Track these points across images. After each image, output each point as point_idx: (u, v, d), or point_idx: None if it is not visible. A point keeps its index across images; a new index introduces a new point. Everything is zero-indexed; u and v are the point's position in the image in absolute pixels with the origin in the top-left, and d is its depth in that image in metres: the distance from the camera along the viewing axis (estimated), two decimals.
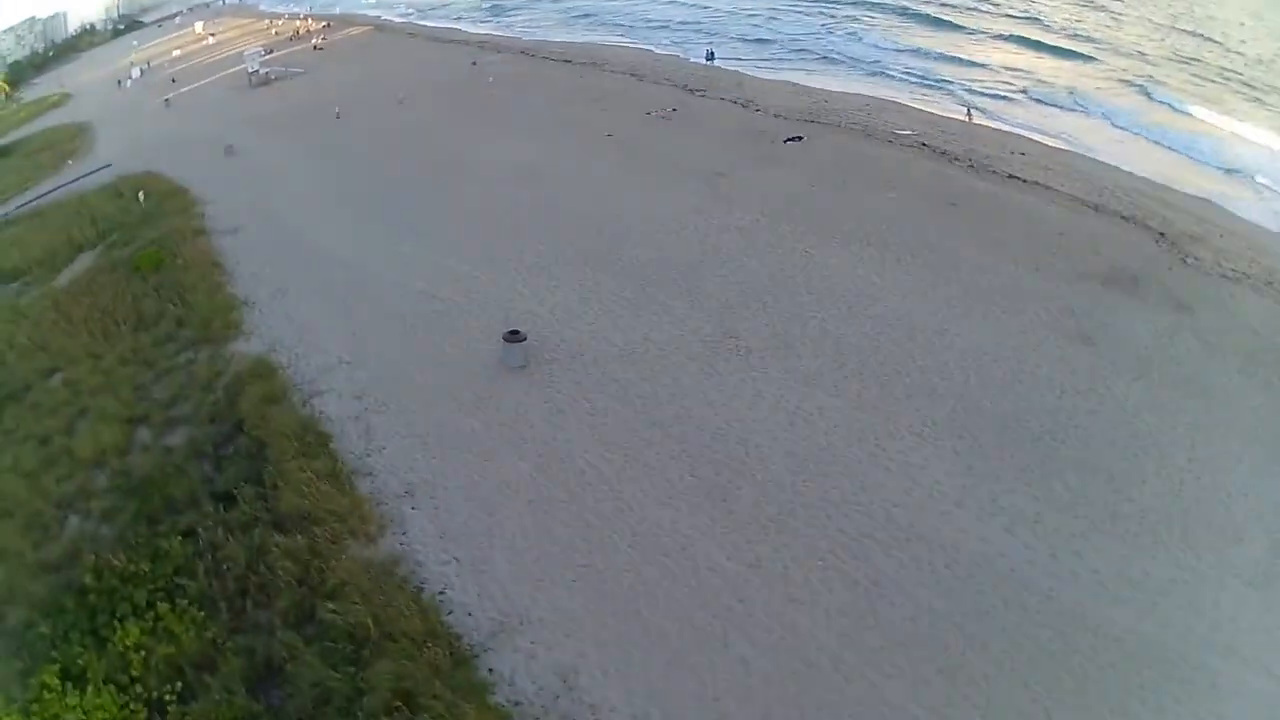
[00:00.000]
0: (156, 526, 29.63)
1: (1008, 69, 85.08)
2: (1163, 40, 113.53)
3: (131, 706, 23.27)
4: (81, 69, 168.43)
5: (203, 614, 25.52)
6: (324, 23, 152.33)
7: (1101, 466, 27.61)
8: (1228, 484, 26.96)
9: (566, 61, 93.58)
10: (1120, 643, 21.94)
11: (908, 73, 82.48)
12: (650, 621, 23.29)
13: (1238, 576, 23.72)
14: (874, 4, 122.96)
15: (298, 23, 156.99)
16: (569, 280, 41.49)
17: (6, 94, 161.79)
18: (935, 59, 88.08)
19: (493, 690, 22.00)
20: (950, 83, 77.94)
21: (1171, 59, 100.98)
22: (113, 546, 29.07)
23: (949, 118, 65.85)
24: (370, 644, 23.22)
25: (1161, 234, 44.01)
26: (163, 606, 25.76)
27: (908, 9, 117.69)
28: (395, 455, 30.77)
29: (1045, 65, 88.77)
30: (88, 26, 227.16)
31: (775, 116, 64.63)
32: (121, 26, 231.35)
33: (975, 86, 76.91)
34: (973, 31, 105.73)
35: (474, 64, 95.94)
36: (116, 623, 25.64)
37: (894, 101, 70.03)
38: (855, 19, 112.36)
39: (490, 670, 22.55)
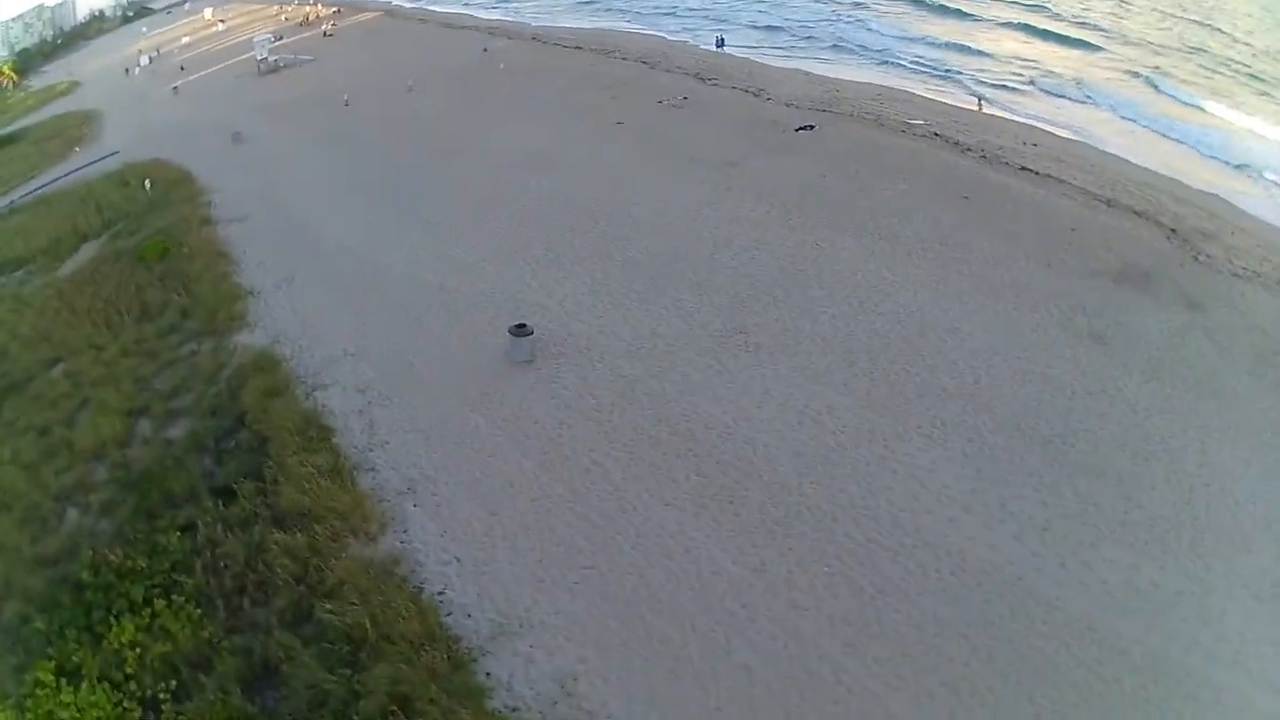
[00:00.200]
0: (155, 521, 29.20)
1: (1016, 58, 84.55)
2: (1170, 29, 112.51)
3: (125, 704, 22.83)
4: (90, 56, 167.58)
5: (199, 612, 25.04)
6: (334, 8, 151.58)
7: (1111, 471, 26.89)
8: (1237, 491, 26.30)
9: (577, 48, 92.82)
10: (1126, 655, 21.22)
11: (917, 61, 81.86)
12: (653, 626, 22.60)
13: (1245, 588, 23.03)
14: None
15: (307, 8, 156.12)
16: (577, 272, 40.83)
17: (14, 82, 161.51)
18: (944, 48, 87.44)
19: (490, 695, 21.32)
20: (959, 72, 77.26)
21: (1179, 49, 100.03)
22: (111, 541, 28.75)
23: (961, 108, 65.15)
24: (368, 646, 22.62)
25: (1173, 230, 43.35)
26: (159, 603, 25.32)
27: None
28: (398, 450, 30.15)
29: (1053, 54, 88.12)
30: (97, 13, 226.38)
31: (787, 105, 63.80)
32: (130, 13, 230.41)
33: (984, 77, 76.27)
34: (980, 19, 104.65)
35: (485, 50, 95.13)
36: (113, 619, 25.24)
37: (905, 91, 69.24)
38: (863, 5, 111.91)
39: (488, 674, 21.89)
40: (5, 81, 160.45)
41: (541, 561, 25.03)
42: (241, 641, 24.24)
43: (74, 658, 24.44)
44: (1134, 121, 66.31)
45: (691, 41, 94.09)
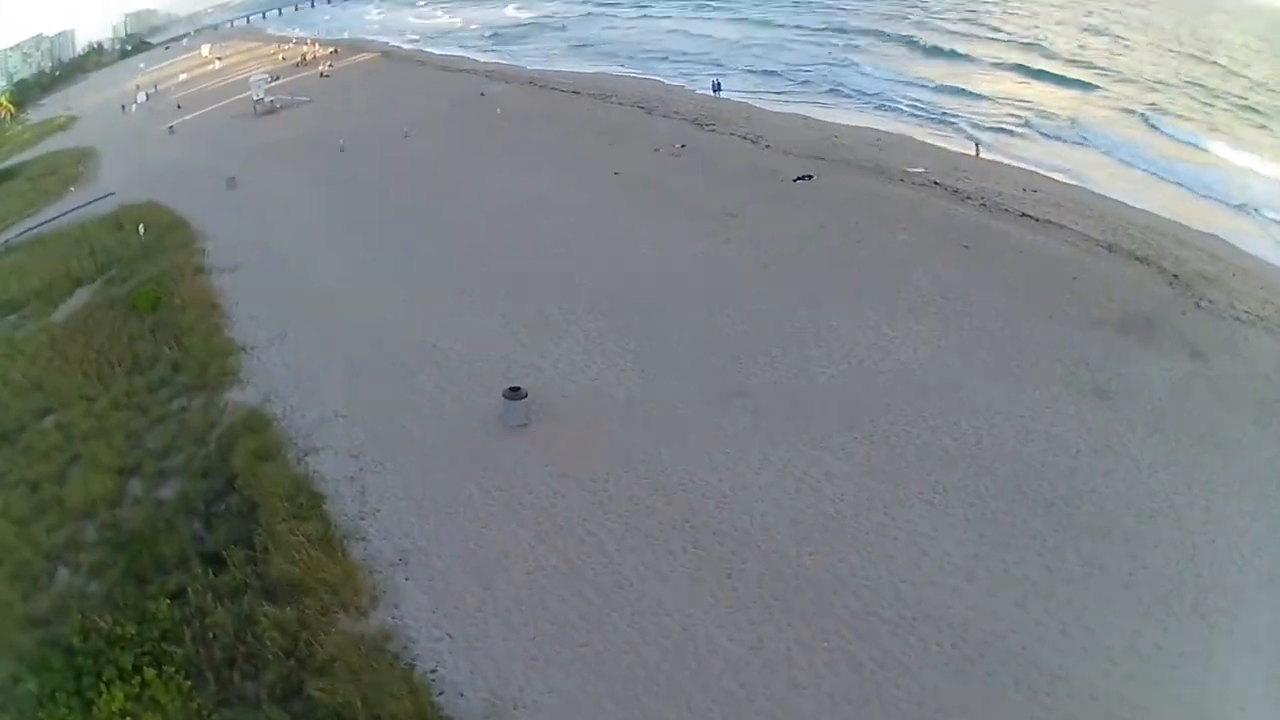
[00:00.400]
0: (145, 586, 28.85)
1: (1011, 100, 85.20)
2: (1168, 65, 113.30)
3: None
4: (87, 91, 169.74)
5: (189, 683, 24.48)
6: (331, 49, 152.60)
7: (1116, 531, 26.58)
8: (1242, 545, 26.06)
9: (574, 93, 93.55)
10: None
11: (914, 105, 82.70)
12: (649, 707, 22.04)
13: (1249, 647, 22.77)
14: (876, 33, 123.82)
15: (305, 48, 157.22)
16: (573, 329, 40.62)
17: (12, 114, 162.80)
18: (939, 91, 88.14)
19: None
20: (956, 116, 77.84)
21: (1176, 84, 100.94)
22: (101, 604, 28.34)
23: (959, 153, 65.58)
24: None
25: (1175, 275, 43.40)
26: (149, 672, 24.76)
27: (911, 38, 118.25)
28: (390, 519, 29.71)
29: (1048, 95, 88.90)
30: (95, 46, 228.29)
31: (785, 153, 64.06)
32: (129, 48, 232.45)
33: (980, 120, 76.92)
34: (974, 60, 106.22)
35: (482, 94, 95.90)
36: (103, 686, 24.73)
37: (904, 136, 69.90)
38: (857, 48, 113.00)
39: None
40: (3, 113, 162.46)
41: (535, 638, 24.51)
42: (231, 715, 23.78)
43: None
44: (1132, 164, 66.79)
45: (688, 86, 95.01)
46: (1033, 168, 63.03)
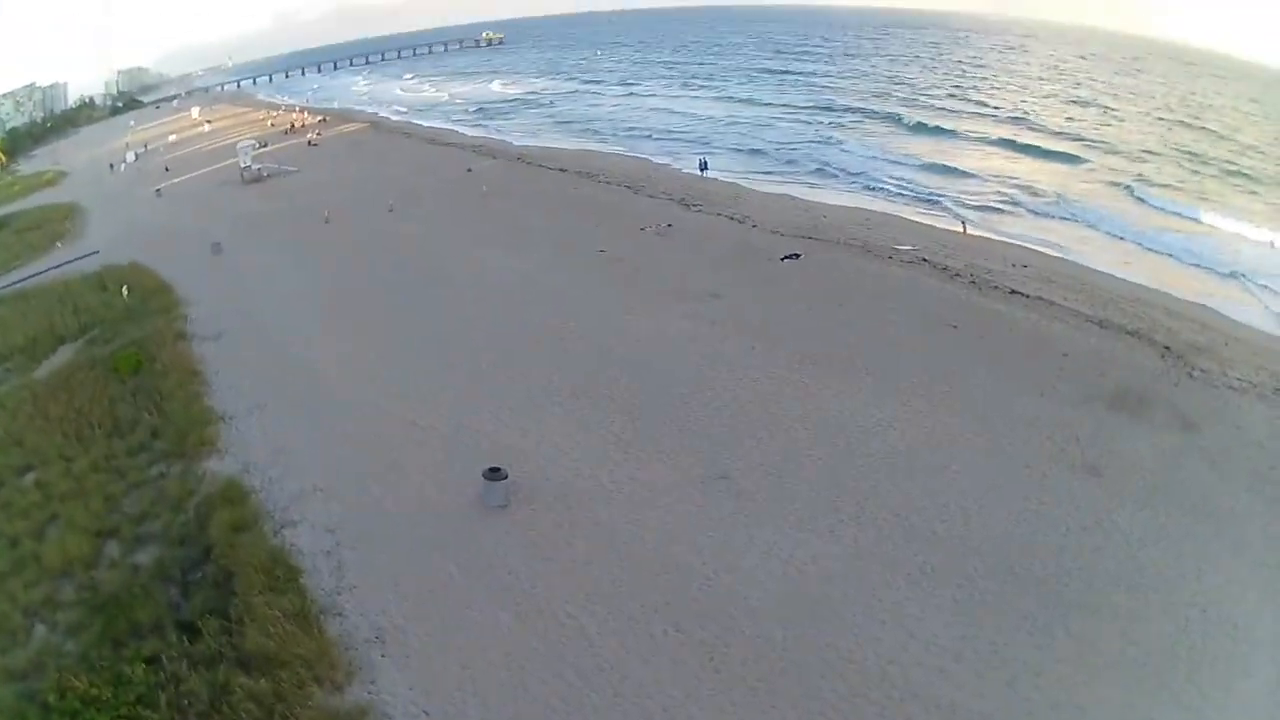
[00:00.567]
0: (120, 650, 28.63)
1: (998, 176, 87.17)
2: (1157, 134, 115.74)
3: None
4: (78, 146, 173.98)
5: None
6: (320, 117, 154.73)
7: (1106, 608, 26.61)
8: (1234, 614, 26.08)
9: (561, 170, 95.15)
10: None
11: (901, 184, 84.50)
12: None
13: (1243, 715, 22.84)
14: (862, 110, 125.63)
15: (294, 115, 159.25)
16: (554, 410, 40.79)
17: (2, 164, 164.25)
18: (926, 169, 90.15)
19: None
20: (943, 195, 79.66)
21: (1165, 154, 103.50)
22: (77, 664, 28.15)
23: (946, 230, 66.84)
24: None
25: (1167, 347, 43.91)
26: None
27: (898, 115, 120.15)
28: (367, 596, 29.58)
29: (1036, 170, 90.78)
30: (87, 100, 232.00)
31: (772, 233, 65.07)
32: (120, 105, 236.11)
33: (968, 199, 78.69)
34: (962, 136, 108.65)
35: (469, 170, 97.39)
36: None
37: (892, 215, 71.58)
38: (843, 126, 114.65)
39: None
40: None
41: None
42: None
43: None
44: (1120, 237, 67.91)
45: (674, 165, 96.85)
46: (1022, 243, 64.22)
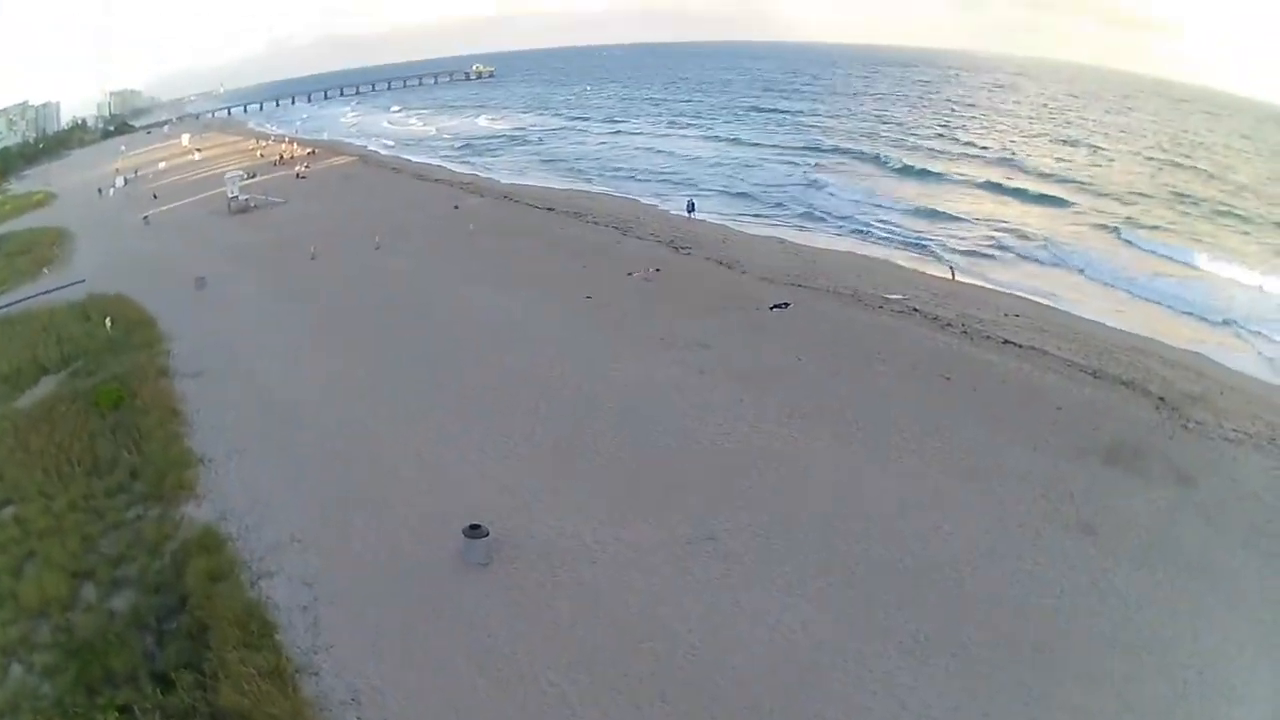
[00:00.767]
0: (95, 697, 28.14)
1: (987, 221, 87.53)
2: (1148, 174, 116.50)
3: None
4: (69, 168, 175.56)
5: None
6: (309, 149, 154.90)
7: (1103, 674, 26.09)
8: (1230, 674, 25.75)
9: (549, 209, 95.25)
10: None
11: (888, 227, 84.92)
12: None
13: None
14: (849, 151, 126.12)
15: (283, 146, 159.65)
16: (538, 465, 40.10)
17: None
18: (913, 214, 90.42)
19: None
20: (931, 240, 79.98)
21: (1156, 195, 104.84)
22: (52, 707, 27.89)
23: (936, 277, 66.95)
24: None
25: (1161, 398, 43.71)
26: None
27: (885, 157, 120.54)
28: (344, 655, 28.89)
29: (1024, 214, 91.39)
30: (79, 122, 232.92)
31: (761, 279, 64.91)
32: (111, 128, 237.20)
33: (956, 243, 78.88)
34: (950, 179, 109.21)
35: (456, 207, 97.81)
36: None
37: (881, 260, 71.80)
38: (830, 167, 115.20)
39: None
40: None
41: None
42: None
43: None
44: (1112, 284, 67.99)
45: (661, 206, 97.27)
46: (1012, 290, 64.42)
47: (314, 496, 38.65)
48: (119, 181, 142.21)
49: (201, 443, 44.40)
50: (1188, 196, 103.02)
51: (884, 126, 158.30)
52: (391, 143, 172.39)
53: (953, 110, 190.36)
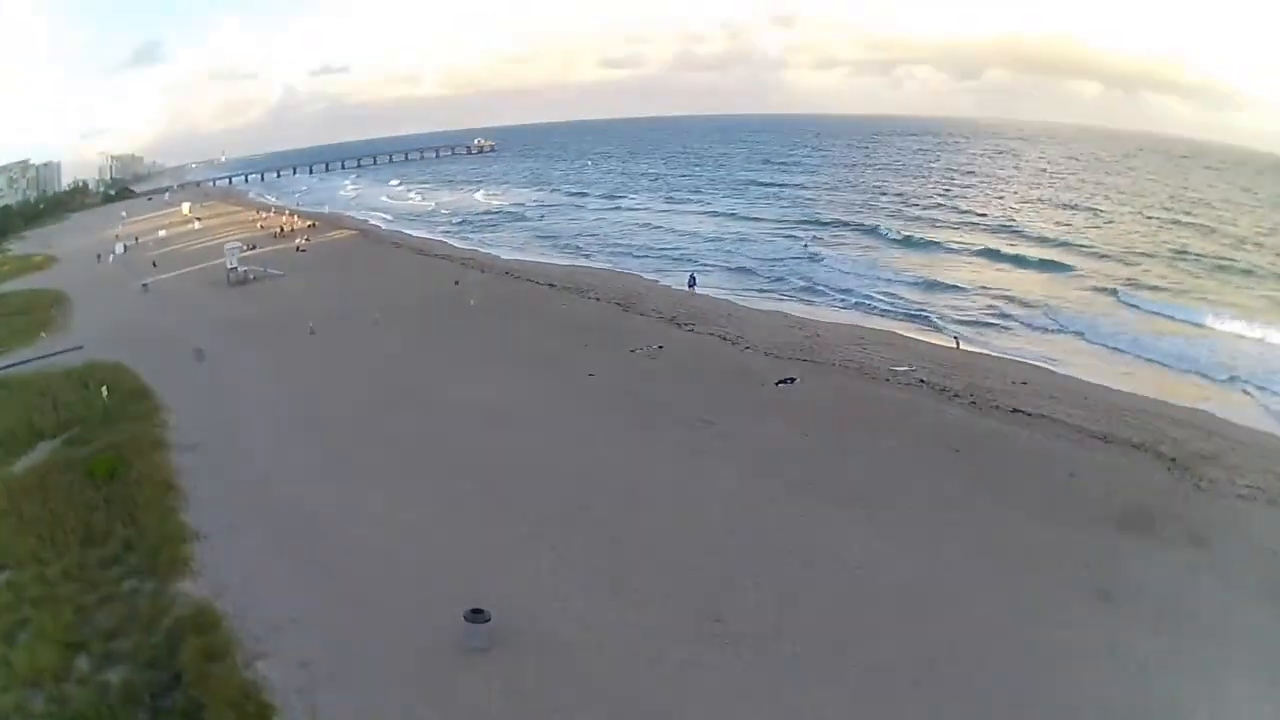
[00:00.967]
0: None
1: (989, 290, 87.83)
2: (1150, 234, 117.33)
3: None
4: (68, 232, 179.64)
5: None
6: (309, 222, 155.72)
7: None
8: None
9: (550, 286, 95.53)
10: None
11: (890, 299, 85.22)
12: None
13: None
14: (848, 224, 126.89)
15: (283, 219, 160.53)
16: (541, 546, 39.34)
17: None
18: (915, 284, 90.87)
19: None
20: (934, 310, 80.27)
21: (1158, 254, 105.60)
22: None
23: (941, 346, 67.21)
24: None
25: (1173, 459, 43.73)
26: None
27: (885, 229, 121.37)
28: None
29: (1026, 281, 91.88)
30: (80, 184, 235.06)
31: (766, 354, 65.00)
32: (113, 192, 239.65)
33: (959, 313, 79.27)
34: (950, 248, 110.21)
35: (457, 283, 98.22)
36: None
37: (886, 332, 71.93)
38: (830, 241, 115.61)
39: None
40: None
41: None
42: None
43: None
44: (1117, 347, 68.06)
45: (663, 281, 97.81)
46: (1017, 358, 64.60)
47: (311, 576, 38.06)
48: (119, 248, 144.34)
49: (197, 518, 43.75)
50: (1188, 253, 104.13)
51: (884, 197, 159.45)
52: (390, 217, 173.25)
53: (952, 179, 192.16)
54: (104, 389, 64.92)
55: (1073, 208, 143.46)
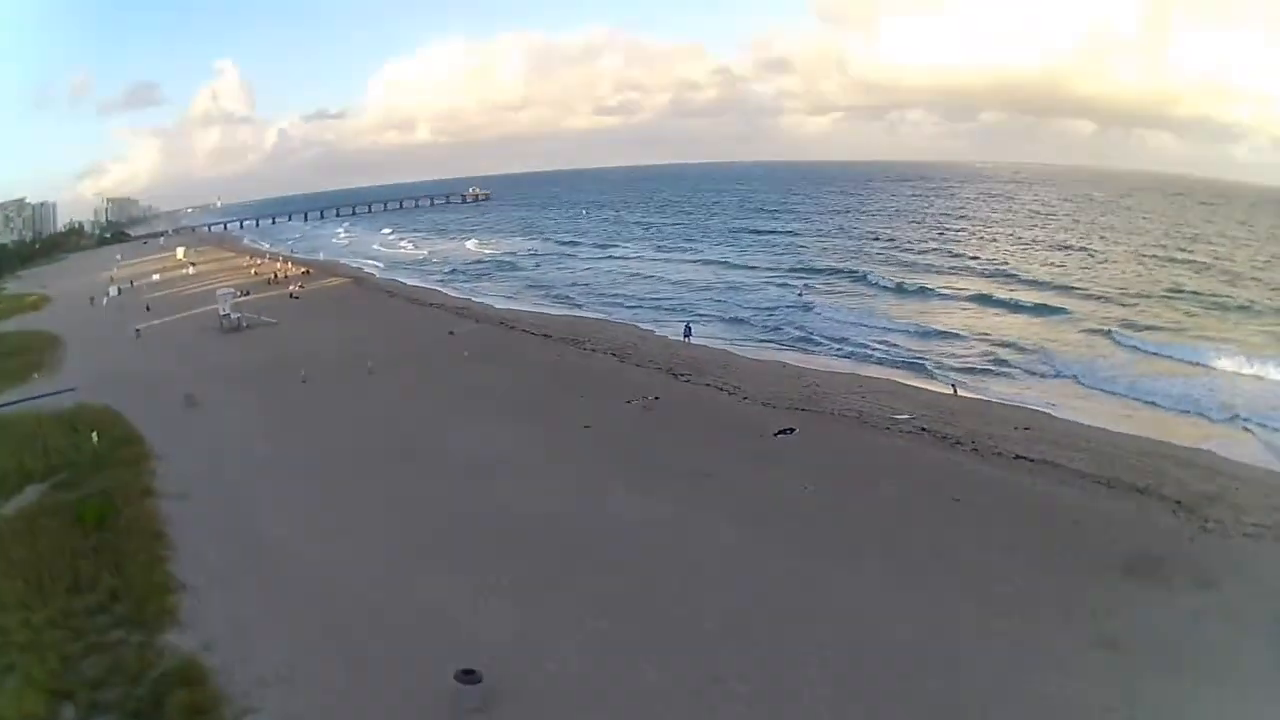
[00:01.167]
0: None
1: (983, 335, 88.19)
2: (1145, 272, 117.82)
3: None
4: (63, 273, 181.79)
5: None
6: (303, 269, 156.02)
7: None
8: None
9: (545, 336, 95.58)
10: None
11: (887, 348, 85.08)
12: None
13: None
14: (842, 271, 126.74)
15: (277, 265, 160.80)
16: (534, 605, 38.57)
17: None
18: (911, 332, 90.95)
19: None
20: (928, 357, 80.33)
21: (1154, 293, 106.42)
22: None
23: (939, 393, 67.29)
24: None
25: (1178, 502, 43.58)
26: None
27: (879, 277, 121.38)
28: None
29: (1020, 325, 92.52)
30: (76, 226, 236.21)
31: (763, 405, 64.81)
32: (108, 235, 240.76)
33: (954, 360, 79.21)
34: (944, 294, 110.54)
35: (451, 333, 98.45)
36: None
37: (883, 380, 71.94)
38: (824, 289, 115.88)
39: None
40: None
41: None
42: None
43: None
44: (1111, 390, 68.13)
45: (658, 331, 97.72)
46: (1017, 403, 64.70)
47: (299, 632, 37.18)
48: (112, 291, 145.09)
49: (185, 568, 42.99)
50: (1184, 291, 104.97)
51: (877, 244, 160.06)
52: (383, 264, 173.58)
53: (945, 224, 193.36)
54: (94, 434, 64.45)
55: (1066, 249, 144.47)
